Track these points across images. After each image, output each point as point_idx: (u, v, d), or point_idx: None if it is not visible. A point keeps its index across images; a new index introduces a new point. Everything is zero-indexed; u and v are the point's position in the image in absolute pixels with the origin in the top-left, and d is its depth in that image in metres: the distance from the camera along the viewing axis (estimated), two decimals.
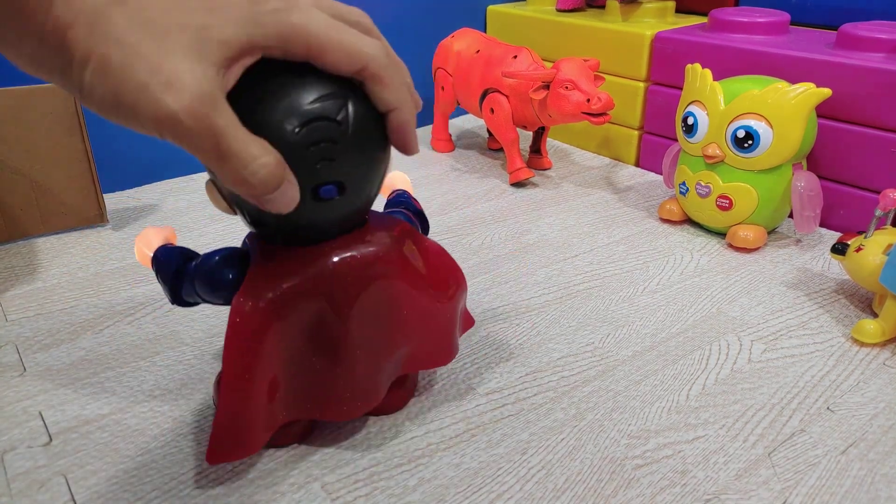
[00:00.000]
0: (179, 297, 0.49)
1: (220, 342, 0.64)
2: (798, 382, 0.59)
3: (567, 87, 0.88)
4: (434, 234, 0.85)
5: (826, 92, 0.74)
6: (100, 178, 0.85)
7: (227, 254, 0.48)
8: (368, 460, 0.51)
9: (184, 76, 0.33)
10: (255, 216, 0.45)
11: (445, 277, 0.52)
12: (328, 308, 0.45)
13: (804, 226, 0.79)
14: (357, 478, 0.50)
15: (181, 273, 0.49)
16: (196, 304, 0.50)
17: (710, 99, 0.79)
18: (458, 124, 1.28)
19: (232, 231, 0.86)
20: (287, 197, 0.38)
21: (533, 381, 0.59)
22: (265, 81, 0.38)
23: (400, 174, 0.59)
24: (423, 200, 0.81)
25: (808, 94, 0.74)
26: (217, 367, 0.61)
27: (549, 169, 1.07)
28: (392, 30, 1.17)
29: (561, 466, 0.51)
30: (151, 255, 0.52)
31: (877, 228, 0.67)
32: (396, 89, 0.41)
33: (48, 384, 0.59)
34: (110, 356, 0.63)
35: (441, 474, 0.50)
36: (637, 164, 1.09)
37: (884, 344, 0.64)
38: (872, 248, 0.65)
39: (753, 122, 0.76)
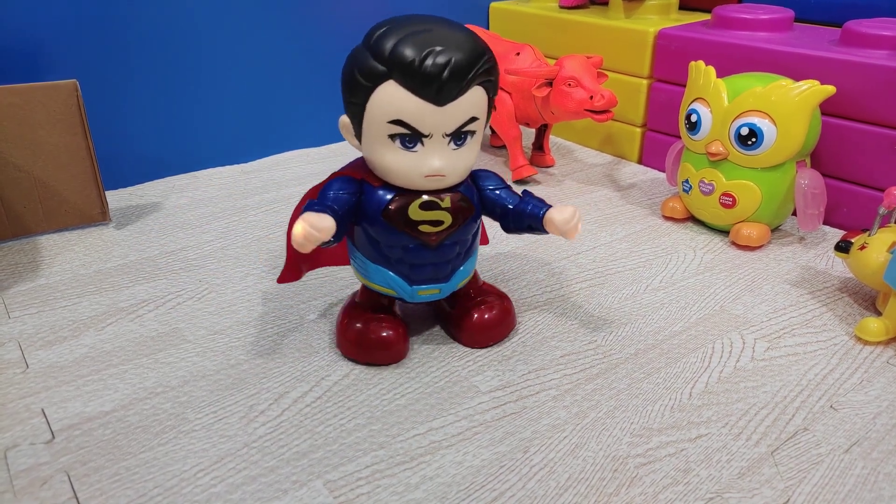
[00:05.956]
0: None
1: (222, 339, 0.64)
2: (801, 381, 0.59)
3: (570, 84, 0.88)
4: None
5: (830, 89, 0.74)
6: (102, 176, 0.85)
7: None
8: (371, 458, 0.51)
9: None
10: None
11: None
12: None
13: (808, 224, 0.79)
14: (359, 475, 0.50)
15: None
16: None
17: (714, 96, 0.79)
18: None
19: (234, 229, 0.86)
20: None
21: (535, 379, 0.59)
22: None
23: None
24: None
25: (812, 91, 0.74)
26: (220, 363, 0.61)
27: (551, 166, 1.07)
28: None
29: (563, 464, 0.51)
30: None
31: (881, 226, 0.67)
32: None
33: (51, 381, 0.59)
34: (113, 353, 0.63)
35: (443, 472, 0.50)
36: (640, 162, 1.09)
37: (887, 342, 0.64)
38: (876, 246, 0.65)
39: (757, 120, 0.75)
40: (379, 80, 0.51)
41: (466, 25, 1.06)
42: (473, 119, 0.54)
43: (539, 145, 1.07)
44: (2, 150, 0.79)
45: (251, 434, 0.53)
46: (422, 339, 0.65)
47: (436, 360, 0.62)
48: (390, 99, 0.51)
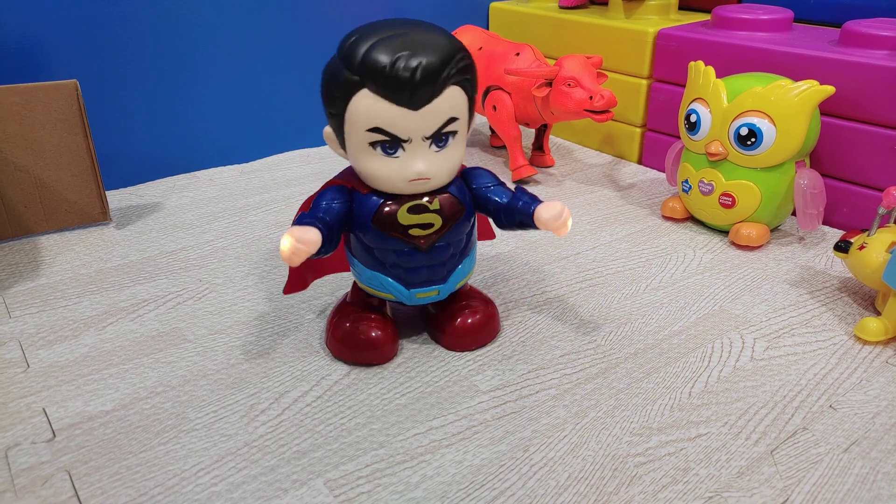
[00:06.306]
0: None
1: (222, 339, 0.65)
2: (801, 380, 0.59)
3: (570, 85, 0.88)
4: None
5: (829, 89, 0.74)
6: (102, 176, 0.85)
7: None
8: (371, 457, 0.51)
9: None
10: None
11: None
12: None
13: (807, 223, 0.79)
14: (360, 474, 0.50)
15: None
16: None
17: (713, 96, 0.79)
18: None
19: (234, 229, 0.86)
20: None
21: (535, 379, 0.60)
22: None
23: None
24: None
25: (812, 91, 0.74)
26: (220, 363, 0.61)
27: (551, 166, 1.07)
28: None
29: (563, 464, 0.51)
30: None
31: (880, 226, 0.67)
32: None
33: (52, 380, 0.59)
34: (113, 353, 0.63)
35: (443, 471, 0.50)
36: (640, 162, 1.09)
37: (887, 342, 0.64)
38: (875, 245, 0.65)
39: (756, 120, 0.75)
40: (353, 89, 0.51)
41: (467, 25, 1.07)
42: (452, 119, 0.53)
43: (539, 145, 1.07)
44: (2, 149, 0.79)
45: (252, 433, 0.53)
46: (422, 339, 0.65)
47: (436, 360, 0.62)
48: (366, 107, 0.51)
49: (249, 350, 0.63)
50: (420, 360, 0.62)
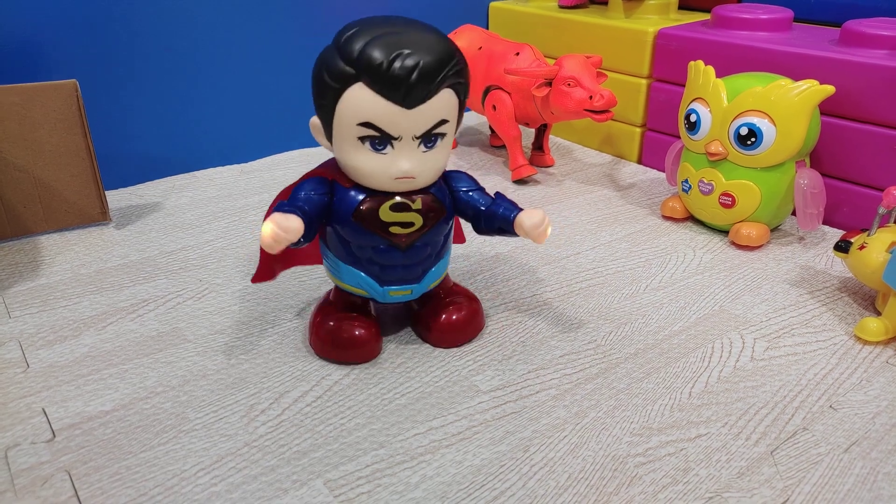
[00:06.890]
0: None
1: (222, 339, 0.65)
2: (801, 380, 0.59)
3: (569, 84, 0.88)
4: None
5: (829, 89, 0.74)
6: (102, 176, 0.85)
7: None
8: (371, 457, 0.51)
9: None
10: None
11: None
12: None
13: (807, 223, 0.79)
14: (360, 474, 0.50)
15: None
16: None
17: (713, 96, 0.79)
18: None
19: (234, 229, 0.86)
20: None
21: (535, 379, 0.59)
22: None
23: None
24: None
25: (812, 91, 0.74)
26: (220, 363, 0.61)
27: (551, 166, 1.07)
28: None
29: (563, 464, 0.51)
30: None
31: (880, 226, 0.67)
32: None
33: (51, 381, 0.59)
34: (113, 353, 0.63)
35: (443, 471, 0.50)
36: (639, 162, 1.09)
37: (887, 342, 0.64)
38: (876, 245, 0.65)
39: (756, 120, 0.75)
40: (347, 82, 0.51)
41: (467, 24, 1.07)
42: (443, 122, 0.54)
43: (539, 145, 1.07)
44: (2, 149, 0.79)
45: (252, 433, 0.53)
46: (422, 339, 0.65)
47: (436, 360, 0.62)
48: (359, 101, 0.51)
49: (249, 350, 0.63)
50: (420, 360, 0.62)
